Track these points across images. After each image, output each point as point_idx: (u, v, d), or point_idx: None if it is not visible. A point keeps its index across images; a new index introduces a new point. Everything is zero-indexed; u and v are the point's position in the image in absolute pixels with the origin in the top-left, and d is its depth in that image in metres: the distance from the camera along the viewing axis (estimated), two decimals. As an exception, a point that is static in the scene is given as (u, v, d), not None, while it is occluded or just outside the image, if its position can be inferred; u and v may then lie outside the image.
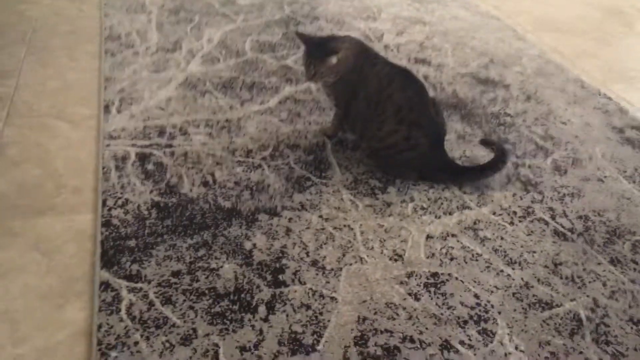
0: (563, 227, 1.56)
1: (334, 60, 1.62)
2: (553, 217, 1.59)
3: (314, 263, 1.38)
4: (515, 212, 1.60)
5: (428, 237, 1.49)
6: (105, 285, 1.27)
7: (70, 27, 2.43)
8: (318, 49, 1.65)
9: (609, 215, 1.61)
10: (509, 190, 1.68)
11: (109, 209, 1.49)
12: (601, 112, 2.11)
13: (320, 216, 1.53)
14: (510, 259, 1.44)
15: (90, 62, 2.18)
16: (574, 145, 1.90)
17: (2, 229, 1.42)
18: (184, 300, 1.26)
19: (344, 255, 1.41)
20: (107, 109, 1.90)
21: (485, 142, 1.85)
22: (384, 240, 1.47)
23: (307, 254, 1.41)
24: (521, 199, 1.65)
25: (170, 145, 1.75)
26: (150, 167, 1.66)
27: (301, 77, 2.17)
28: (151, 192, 1.57)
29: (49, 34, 2.35)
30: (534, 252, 1.47)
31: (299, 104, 2.02)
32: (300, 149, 1.80)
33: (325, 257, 1.40)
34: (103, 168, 1.63)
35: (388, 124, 1.62)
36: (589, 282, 1.39)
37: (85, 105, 1.93)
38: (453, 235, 1.50)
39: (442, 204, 1.61)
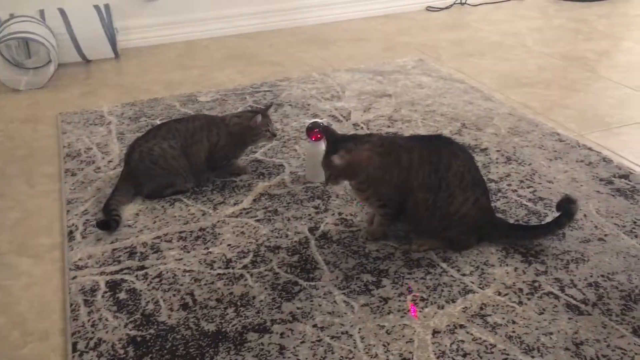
0: (575, 299, 1.45)
1: (336, 160, 1.52)
2: (562, 289, 1.48)
3: (315, 384, 1.24)
4: (521, 290, 1.49)
5: (434, 332, 1.37)
6: None
7: (26, 150, 2.32)
8: (333, 147, 1.56)
9: (620, 278, 1.51)
10: (509, 265, 1.57)
11: (81, 354, 1.34)
12: (585, 165, 2.04)
13: (315, 325, 1.40)
14: (528, 345, 1.32)
15: (50, 185, 2.06)
16: (566, 205, 1.82)
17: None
18: None
19: (346, 369, 1.28)
20: (70, 235, 1.77)
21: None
22: (388, 344, 1.34)
23: (306, 374, 1.27)
24: (524, 272, 1.54)
25: (143, 267, 1.62)
26: (122, 295, 1.52)
27: (273, 170, 2.09)
28: (126, 325, 1.42)
29: (5, 160, 2.24)
30: (551, 333, 1.35)
31: (274, 200, 1.92)
32: (282, 250, 1.68)
33: (326, 374, 1.27)
34: (71, 305, 1.49)
35: (458, 197, 1.54)
36: (617, 360, 1.27)
37: (47, 235, 1.80)
38: (461, 327, 1.38)
39: (442, 291, 1.49)
